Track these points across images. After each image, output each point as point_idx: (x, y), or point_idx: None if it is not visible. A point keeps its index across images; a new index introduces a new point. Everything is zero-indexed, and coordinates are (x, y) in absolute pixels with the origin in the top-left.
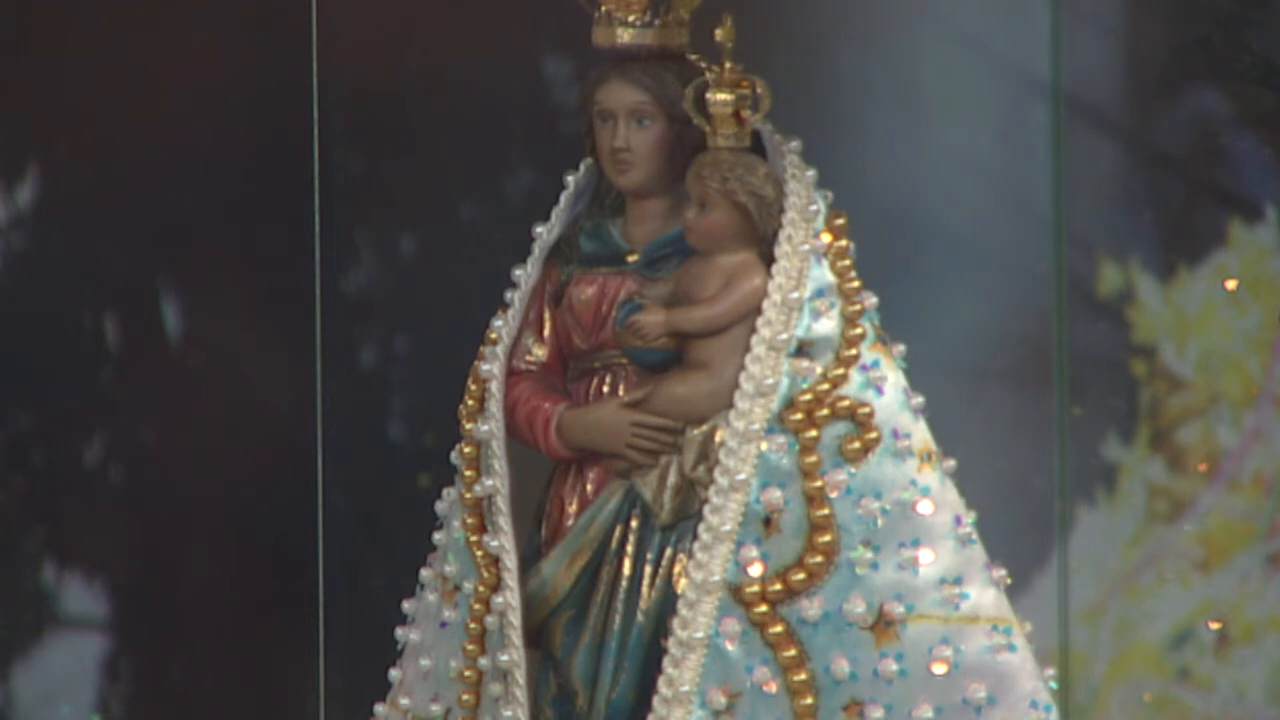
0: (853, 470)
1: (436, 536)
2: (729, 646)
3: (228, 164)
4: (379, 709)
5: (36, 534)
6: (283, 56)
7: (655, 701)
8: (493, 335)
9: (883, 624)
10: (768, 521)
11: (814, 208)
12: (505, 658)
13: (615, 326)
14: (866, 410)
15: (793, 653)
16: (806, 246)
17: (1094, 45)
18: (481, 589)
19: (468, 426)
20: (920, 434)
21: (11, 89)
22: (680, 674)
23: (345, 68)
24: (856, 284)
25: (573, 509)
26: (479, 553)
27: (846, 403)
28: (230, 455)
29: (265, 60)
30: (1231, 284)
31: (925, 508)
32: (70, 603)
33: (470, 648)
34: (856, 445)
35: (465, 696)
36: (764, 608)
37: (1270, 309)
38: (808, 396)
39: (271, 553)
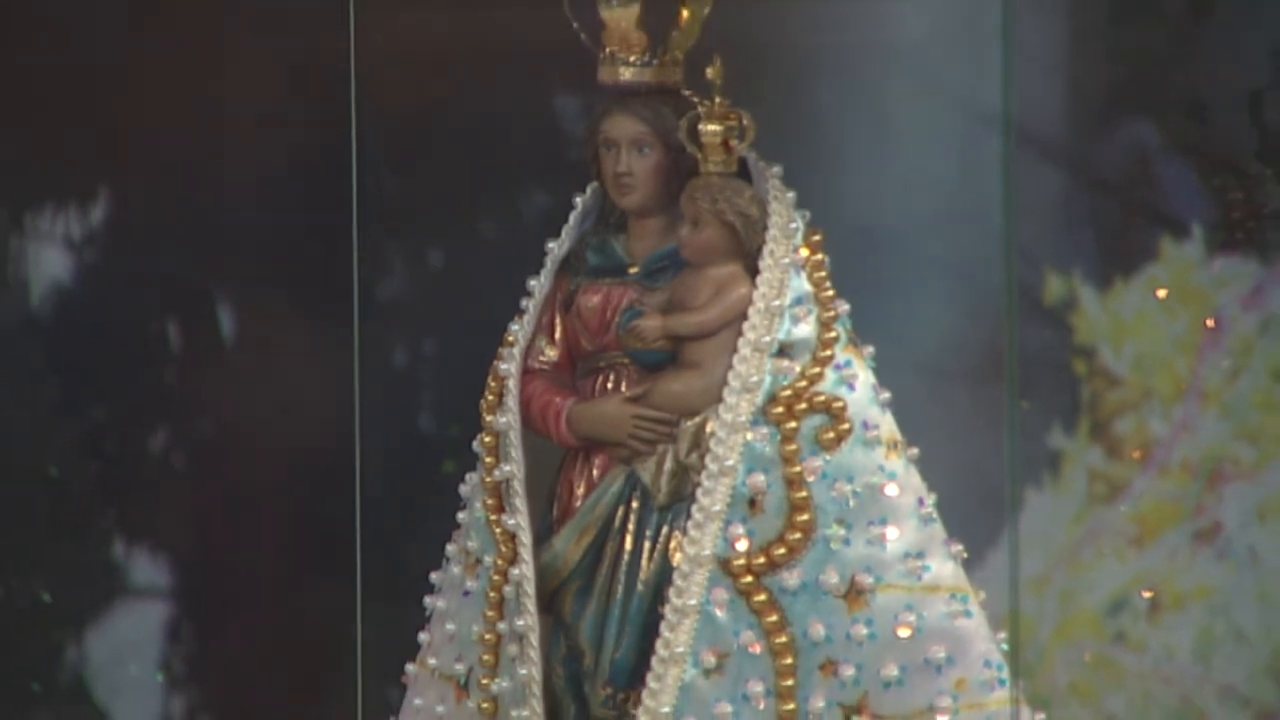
0: (828, 457)
1: (460, 515)
2: (718, 613)
3: (277, 187)
4: (409, 668)
5: (108, 514)
6: (326, 93)
7: (654, 661)
8: (510, 338)
9: (854, 593)
10: (752, 502)
11: (793, 225)
12: (521, 622)
13: (618, 330)
14: (840, 404)
15: (775, 618)
16: (787, 260)
17: (1040, 83)
18: (500, 562)
19: (488, 418)
20: (887, 425)
21: (86, 123)
22: (675, 637)
23: (381, 104)
24: (831, 293)
25: (580, 491)
26: (498, 530)
27: (822, 398)
28: (278, 444)
29: (311, 97)
30: (1162, 293)
31: (891, 490)
32: (137, 574)
33: (490, 614)
34: (831, 435)
35: (485, 657)
36: (749, 579)
37: (1196, 315)
38: (788, 392)
39: (316, 530)
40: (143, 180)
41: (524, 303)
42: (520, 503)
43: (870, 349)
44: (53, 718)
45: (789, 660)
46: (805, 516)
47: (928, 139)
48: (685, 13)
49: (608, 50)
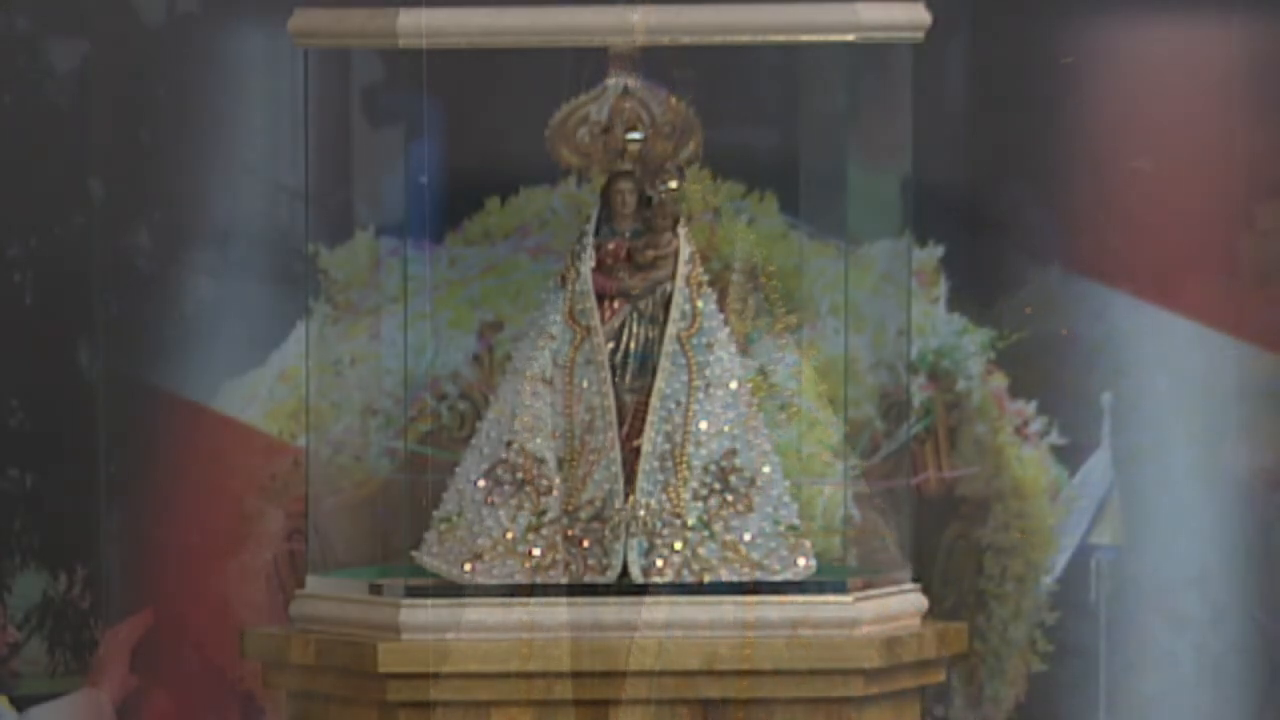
0: (780, 433)
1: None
2: (700, 550)
3: (339, 227)
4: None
5: (236, 478)
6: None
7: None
8: (541, 344)
9: (796, 533)
10: (724, 468)
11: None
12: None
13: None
14: (790, 394)
15: (741, 554)
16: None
17: (941, 151)
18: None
19: (526, 403)
20: (826, 410)
21: (217, 183)
22: (666, 570)
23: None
24: (783, 311)
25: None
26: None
27: (777, 389)
28: (376, 423)
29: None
30: (1029, 309)
31: (828, 458)
32: (262, 523)
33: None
34: (783, 416)
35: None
36: (720, 525)
37: (1054, 326)
38: (751, 385)
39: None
40: (263, 224)
41: (551, 316)
42: (550, 468)
43: (813, 354)
44: (205, 622)
45: (752, 585)
46: (765, 477)
47: (856, 197)
48: (673, 100)
49: (617, 126)
